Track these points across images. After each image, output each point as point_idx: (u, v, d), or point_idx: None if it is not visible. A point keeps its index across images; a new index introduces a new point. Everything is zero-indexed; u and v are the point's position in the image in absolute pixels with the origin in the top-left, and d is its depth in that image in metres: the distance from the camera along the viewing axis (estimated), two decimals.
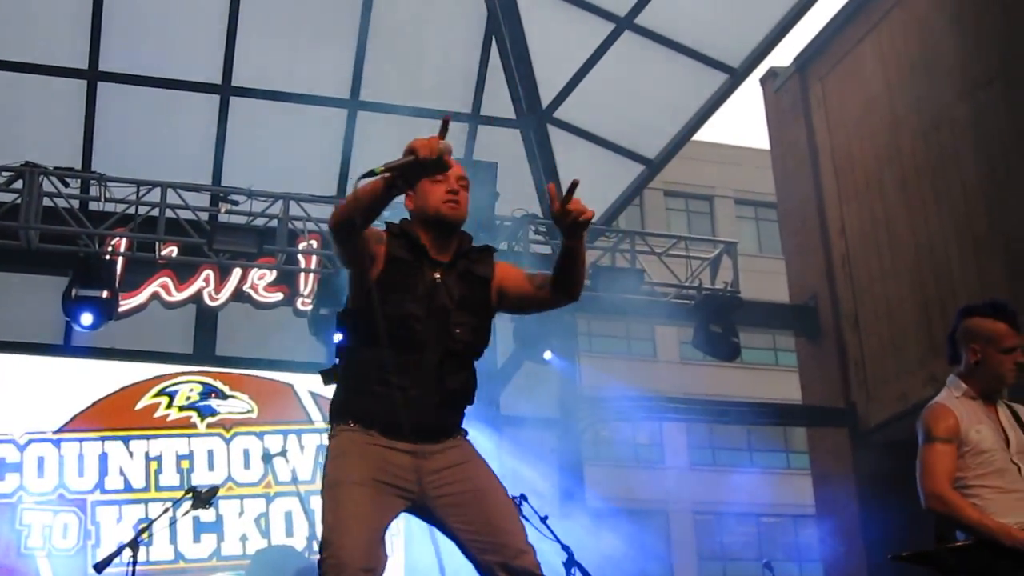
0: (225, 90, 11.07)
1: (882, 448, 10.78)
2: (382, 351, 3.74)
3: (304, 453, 10.02)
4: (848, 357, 11.69)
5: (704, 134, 13.17)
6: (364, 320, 3.83)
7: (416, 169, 3.60)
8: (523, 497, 6.45)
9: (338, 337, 4.07)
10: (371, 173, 3.55)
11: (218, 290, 10.14)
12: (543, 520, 6.42)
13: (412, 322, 3.82)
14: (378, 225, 3.90)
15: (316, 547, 9.14)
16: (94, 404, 9.72)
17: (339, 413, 3.89)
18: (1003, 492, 4.61)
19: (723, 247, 11.48)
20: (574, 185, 3.72)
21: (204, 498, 6.67)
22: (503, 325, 11.06)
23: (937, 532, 4.75)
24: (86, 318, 9.50)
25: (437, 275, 3.91)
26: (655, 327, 27.25)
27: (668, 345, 28.58)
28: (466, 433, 3.96)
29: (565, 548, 6.37)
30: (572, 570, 6.34)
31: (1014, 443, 4.68)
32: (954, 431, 4.65)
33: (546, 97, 11.58)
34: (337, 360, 4.03)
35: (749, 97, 14.07)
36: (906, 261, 10.40)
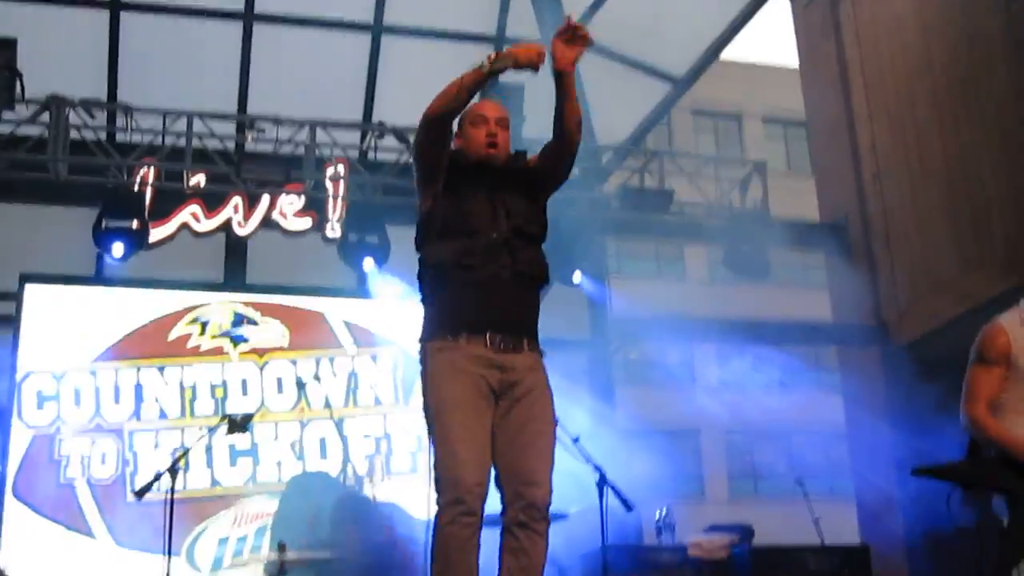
0: (248, 17, 11.00)
1: (914, 366, 10.75)
2: (458, 241, 4.13)
3: (337, 378, 10.09)
4: (879, 275, 11.61)
5: (732, 53, 13.02)
6: (439, 216, 4.20)
7: (513, 67, 4.10)
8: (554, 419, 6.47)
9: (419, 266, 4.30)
10: (481, 67, 4.06)
11: (247, 218, 10.15)
12: (575, 442, 6.43)
13: (484, 207, 4.20)
14: None
15: (350, 471, 9.31)
16: (128, 334, 9.80)
17: (427, 330, 4.17)
18: None
19: (752, 166, 11.40)
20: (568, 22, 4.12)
21: (239, 424, 6.74)
22: None
23: (969, 449, 4.74)
24: (117, 249, 9.55)
25: (493, 175, 4.28)
26: (684, 249, 27.19)
27: (697, 266, 28.49)
28: (543, 353, 4.21)
29: (597, 468, 6.40)
30: (604, 490, 6.37)
31: None
32: (1004, 353, 4.60)
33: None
34: (420, 284, 4.30)
35: (778, 13, 13.84)
36: (938, 177, 10.28)
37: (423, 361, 4.16)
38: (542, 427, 4.12)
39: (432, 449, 4.02)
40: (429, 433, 4.07)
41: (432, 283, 4.22)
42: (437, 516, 3.92)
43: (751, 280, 11.48)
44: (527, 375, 4.10)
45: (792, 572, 7.90)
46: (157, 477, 6.24)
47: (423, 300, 4.28)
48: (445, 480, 3.91)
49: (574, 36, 4.11)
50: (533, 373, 4.13)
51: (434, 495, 3.96)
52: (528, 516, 4.02)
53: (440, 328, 4.13)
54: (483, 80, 4.08)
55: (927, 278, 10.41)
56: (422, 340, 4.19)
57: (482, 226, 4.16)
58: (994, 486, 4.56)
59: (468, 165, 4.28)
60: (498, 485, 4.05)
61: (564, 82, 4.17)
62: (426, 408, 4.10)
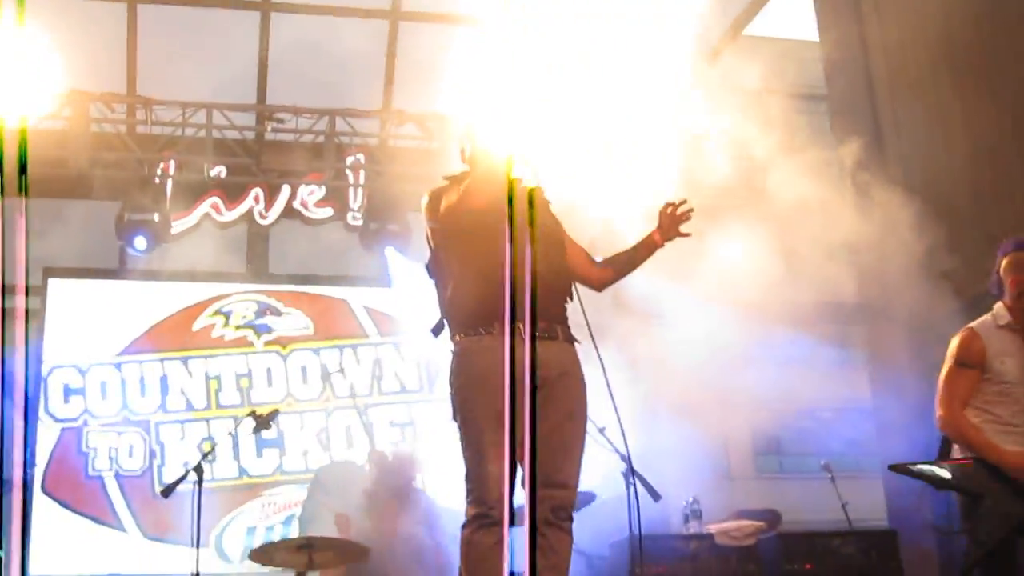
0: (265, 5, 10.97)
1: (940, 342, 10.68)
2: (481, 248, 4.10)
3: (361, 367, 10.10)
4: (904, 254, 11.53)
5: (753, 28, 12.91)
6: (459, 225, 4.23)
7: None
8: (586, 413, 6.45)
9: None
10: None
11: (268, 208, 10.17)
12: (600, 431, 6.42)
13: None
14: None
15: (375, 459, 9.32)
16: (152, 327, 9.85)
17: (454, 324, 4.25)
18: (1000, 423, 4.82)
19: None
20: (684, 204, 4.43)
21: (265, 420, 6.75)
22: None
23: (941, 450, 5.00)
24: (140, 242, 9.60)
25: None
26: None
27: None
28: (576, 342, 4.29)
29: (624, 458, 6.39)
30: (632, 479, 6.36)
31: None
32: (978, 357, 4.87)
33: None
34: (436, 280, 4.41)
35: None
36: (961, 154, 10.18)
37: (456, 352, 4.22)
38: (576, 427, 4.21)
39: (462, 451, 4.13)
40: (460, 430, 4.16)
41: (452, 292, 4.27)
42: (464, 525, 4.07)
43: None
44: (563, 356, 4.19)
45: (820, 557, 7.87)
46: (184, 475, 6.26)
47: (444, 299, 4.33)
48: (475, 494, 4.05)
49: (682, 217, 4.47)
50: (567, 364, 4.20)
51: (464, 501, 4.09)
52: (556, 516, 4.07)
53: (464, 328, 4.19)
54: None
55: (950, 258, 10.33)
56: (453, 331, 4.26)
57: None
58: (962, 488, 4.83)
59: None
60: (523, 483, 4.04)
61: (651, 251, 4.56)
62: (456, 407, 4.18)
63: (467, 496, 4.08)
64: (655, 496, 6.36)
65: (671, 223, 4.50)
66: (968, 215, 10.08)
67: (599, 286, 4.61)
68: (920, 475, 4.98)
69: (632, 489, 6.28)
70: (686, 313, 14.28)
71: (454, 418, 4.17)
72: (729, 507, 9.09)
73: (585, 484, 7.40)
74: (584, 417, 4.25)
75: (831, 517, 9.11)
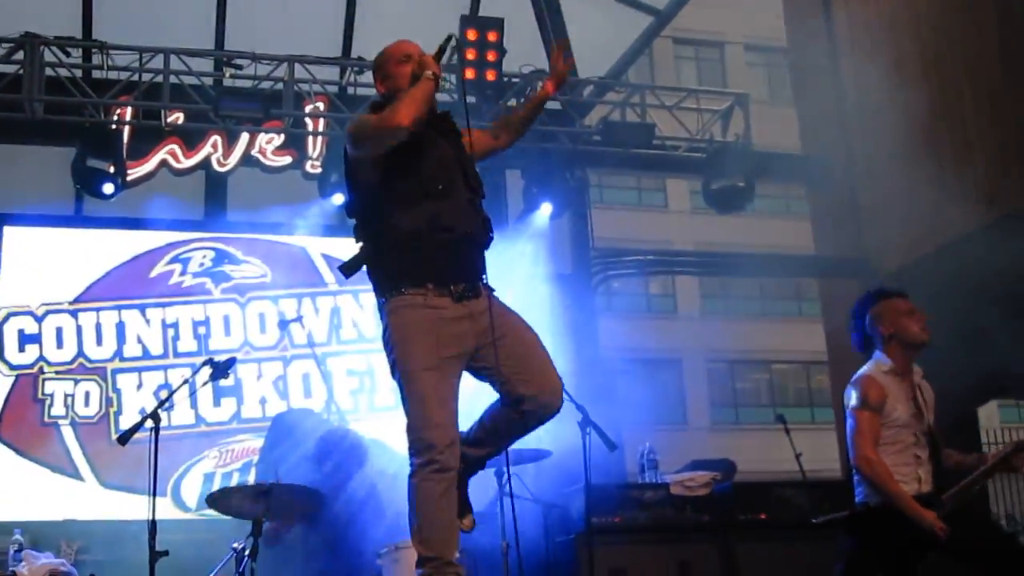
0: None
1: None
2: (426, 203, 4.28)
3: (319, 316, 10.10)
4: (860, 207, 11.60)
5: None
6: (400, 180, 4.32)
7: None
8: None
9: (359, 210, 4.53)
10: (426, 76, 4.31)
11: (226, 155, 10.10)
12: None
13: (448, 171, 4.39)
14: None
15: (333, 408, 9.33)
16: (108, 273, 9.77)
17: (391, 280, 4.31)
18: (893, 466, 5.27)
19: (735, 98, 11.33)
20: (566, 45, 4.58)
21: (222, 368, 6.71)
22: (514, 183, 11.00)
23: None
24: (96, 188, 9.49)
25: (440, 136, 4.49)
26: (666, 179, 27.14)
27: (679, 195, 28.50)
28: (492, 289, 4.42)
29: (580, 408, 6.41)
30: (587, 430, 6.41)
31: (924, 419, 5.36)
32: (881, 402, 5.28)
33: None
34: (361, 236, 4.48)
35: None
36: (921, 111, 10.22)
37: (387, 317, 4.30)
38: (535, 336, 4.42)
39: (405, 406, 4.23)
40: (401, 389, 4.27)
41: (398, 246, 4.30)
42: (411, 475, 4.17)
43: (732, 213, 11.45)
44: (493, 306, 4.32)
45: (774, 507, 7.98)
46: (141, 421, 6.22)
47: (378, 258, 4.38)
48: (420, 442, 4.14)
49: (566, 62, 4.74)
50: (496, 303, 4.37)
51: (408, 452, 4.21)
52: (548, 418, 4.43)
53: (404, 284, 4.26)
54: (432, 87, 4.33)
55: (909, 211, 10.40)
56: (384, 295, 4.33)
57: (452, 189, 4.37)
58: (872, 535, 5.30)
59: (421, 130, 4.35)
60: (515, 397, 4.32)
61: (544, 102, 4.82)
62: (395, 365, 4.28)
63: (413, 446, 4.16)
64: (611, 446, 6.39)
65: (562, 70, 4.77)
66: (927, 171, 10.12)
67: (506, 147, 4.85)
68: (837, 523, 5.72)
69: (587, 439, 6.34)
70: (645, 267, 14.38)
71: (393, 375, 4.29)
72: (684, 458, 9.18)
73: (540, 440, 7.48)
74: (531, 327, 4.45)
75: (789, 468, 9.20)
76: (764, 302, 29.09)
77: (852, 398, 5.38)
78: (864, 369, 5.47)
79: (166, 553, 5.71)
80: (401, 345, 4.23)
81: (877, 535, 5.26)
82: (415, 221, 4.26)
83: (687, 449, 11.37)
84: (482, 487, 7.34)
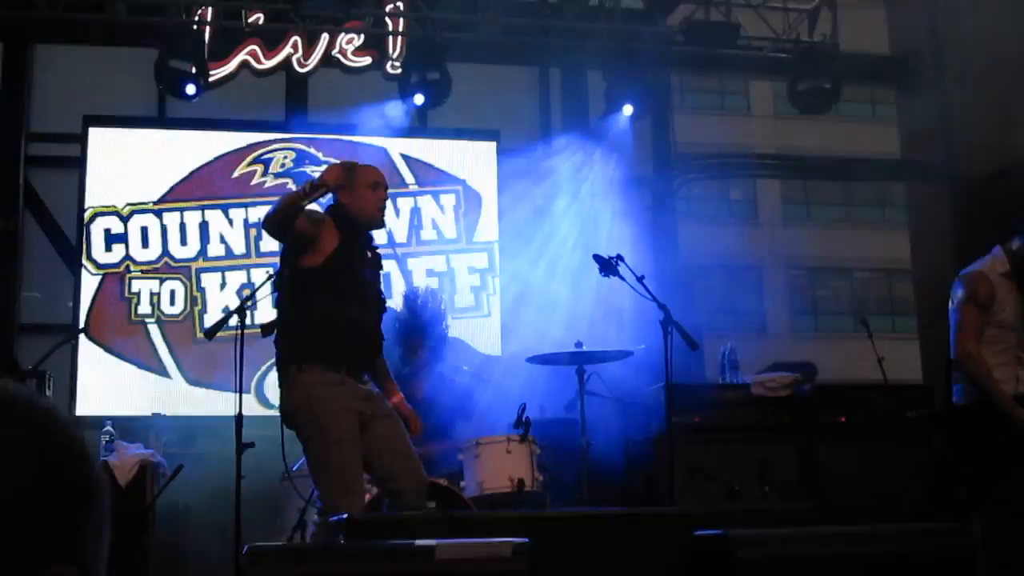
0: None
1: (981, 205, 10.54)
2: (348, 306, 5.15)
3: (399, 216, 10.10)
4: (951, 111, 11.33)
5: None
6: (331, 280, 5.12)
7: (326, 192, 5.17)
8: (619, 257, 6.45)
9: (287, 291, 5.46)
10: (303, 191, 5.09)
11: (307, 56, 10.07)
12: (639, 279, 6.41)
13: (366, 285, 5.33)
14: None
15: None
16: (191, 174, 9.84)
17: (306, 354, 5.15)
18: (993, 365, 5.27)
19: None
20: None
21: None
22: (597, 83, 10.85)
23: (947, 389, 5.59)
24: (179, 89, 9.54)
25: (368, 252, 5.45)
26: (749, 82, 26.71)
27: (763, 99, 28.03)
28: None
29: (662, 307, 6.38)
30: (669, 328, 6.38)
31: None
32: (990, 300, 5.28)
33: None
34: (282, 310, 5.47)
35: None
36: (1017, 7, 9.91)
37: (299, 386, 5.10)
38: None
39: (319, 471, 5.06)
40: (310, 453, 5.13)
41: (313, 328, 5.14)
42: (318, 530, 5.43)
43: (816, 114, 11.23)
44: (378, 393, 5.38)
45: (855, 410, 7.92)
46: (226, 317, 6.31)
47: (294, 325, 5.29)
48: (336, 509, 4.72)
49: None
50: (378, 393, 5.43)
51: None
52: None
53: (324, 361, 5.10)
54: (304, 197, 5.06)
55: (1000, 117, 10.12)
56: (296, 361, 5.17)
57: (371, 301, 5.35)
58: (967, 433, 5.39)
59: (358, 224, 5.32)
60: (382, 482, 5.34)
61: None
62: (310, 432, 5.07)
63: (325, 507, 5.02)
64: (693, 345, 6.37)
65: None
66: (1022, 72, 9.83)
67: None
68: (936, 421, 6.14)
69: (669, 339, 6.32)
70: (727, 171, 14.20)
71: (307, 432, 5.09)
72: (763, 364, 9.14)
73: (621, 340, 7.48)
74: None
75: (868, 377, 9.13)
76: (847, 208, 28.69)
77: (960, 293, 5.35)
78: (976, 264, 5.41)
79: (252, 444, 5.81)
80: (323, 417, 5.11)
81: (972, 433, 5.22)
82: (333, 316, 5.28)
83: (766, 356, 11.27)
84: (562, 386, 7.41)
